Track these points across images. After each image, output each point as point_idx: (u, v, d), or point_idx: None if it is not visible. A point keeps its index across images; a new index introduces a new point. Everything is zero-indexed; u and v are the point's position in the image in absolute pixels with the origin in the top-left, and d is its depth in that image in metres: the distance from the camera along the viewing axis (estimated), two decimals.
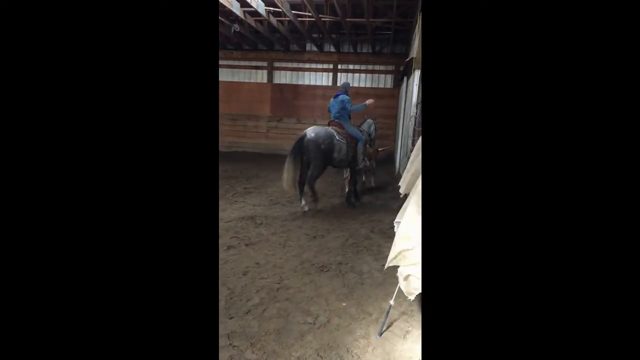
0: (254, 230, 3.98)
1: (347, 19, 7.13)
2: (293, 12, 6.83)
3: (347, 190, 5.41)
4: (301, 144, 4.64)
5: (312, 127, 4.86)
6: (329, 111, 5.18)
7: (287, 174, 4.64)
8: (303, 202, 4.81)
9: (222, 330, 2.11)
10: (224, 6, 5.95)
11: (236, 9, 6.19)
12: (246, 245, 3.52)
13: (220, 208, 4.73)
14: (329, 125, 5.05)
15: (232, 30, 7.54)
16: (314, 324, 2.24)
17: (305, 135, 4.68)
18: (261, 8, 6.23)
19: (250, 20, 7.12)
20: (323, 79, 9.87)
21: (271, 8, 6.57)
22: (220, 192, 5.65)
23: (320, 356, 1.94)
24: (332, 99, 5.16)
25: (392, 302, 2.22)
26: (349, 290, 2.70)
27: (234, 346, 1.97)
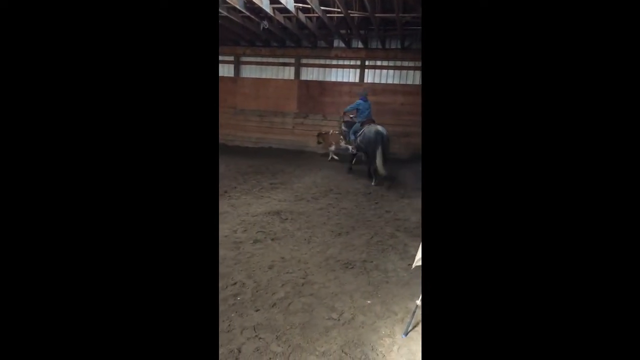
0: (279, 225, 4.03)
1: (376, 14, 7.04)
2: (322, 8, 6.82)
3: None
4: (382, 137, 6.07)
5: (376, 125, 6.32)
6: (357, 110, 6.63)
7: (380, 158, 6.06)
8: (374, 182, 6.26)
9: (249, 322, 2.16)
10: (254, 3, 6.03)
11: (266, 6, 6.25)
12: (272, 239, 3.57)
13: (246, 202, 4.82)
14: (366, 123, 6.46)
15: (261, 28, 7.61)
16: (339, 320, 2.25)
17: (380, 130, 6.12)
18: (290, 4, 6.26)
19: (279, 17, 7.17)
20: (350, 76, 9.80)
21: (300, 4, 6.58)
22: (247, 187, 5.76)
23: (345, 352, 1.94)
24: (361, 101, 6.59)
25: (418, 302, 2.18)
26: (374, 288, 2.69)
27: (260, 338, 2.01)
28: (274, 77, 10.36)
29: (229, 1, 6.04)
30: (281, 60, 10.19)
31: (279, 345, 1.96)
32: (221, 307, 2.30)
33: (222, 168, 7.18)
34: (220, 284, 2.61)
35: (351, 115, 7.17)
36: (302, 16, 7.19)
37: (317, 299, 2.48)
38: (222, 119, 10.61)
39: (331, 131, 8.87)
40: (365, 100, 6.63)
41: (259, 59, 10.32)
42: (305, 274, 2.87)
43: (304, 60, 10.07)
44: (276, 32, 8.37)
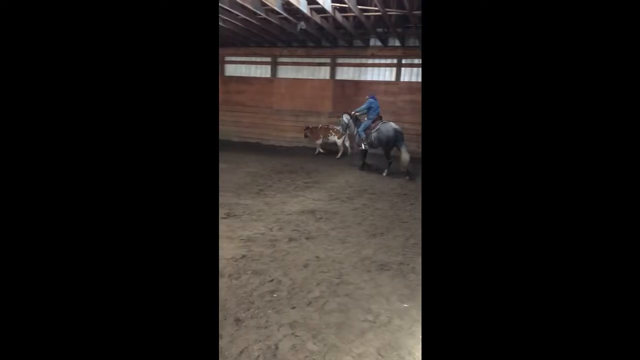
0: (313, 224, 4.05)
1: (415, 12, 6.89)
2: (359, 7, 6.78)
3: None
4: (401, 134, 6.71)
5: (389, 122, 6.88)
6: (369, 108, 7.01)
7: (406, 154, 6.56)
8: (386, 172, 6.86)
9: (285, 319, 2.18)
10: (292, 4, 6.10)
11: (303, 6, 6.30)
12: (306, 238, 3.60)
13: (281, 201, 4.89)
14: (378, 120, 7.00)
15: (298, 29, 7.69)
16: (375, 322, 2.22)
17: (397, 127, 6.74)
18: (327, 5, 6.27)
19: (316, 17, 7.20)
20: (386, 75, 9.66)
21: (337, 4, 6.58)
22: (282, 185, 5.84)
23: (381, 355, 1.92)
24: (372, 99, 7.05)
25: None
26: (410, 292, 2.63)
27: (296, 336, 2.03)
28: (309, 78, 10.42)
29: (268, 3, 6.15)
30: (317, 60, 10.24)
31: (315, 344, 1.97)
32: (258, 303, 2.35)
33: (258, 167, 7.34)
34: (257, 281, 2.66)
35: (357, 114, 7.49)
36: (338, 16, 7.18)
37: (353, 300, 2.47)
38: (258, 118, 10.85)
39: (320, 125, 9.37)
40: (375, 99, 7.08)
41: (295, 60, 10.43)
42: (340, 274, 2.87)
43: (340, 60, 10.06)
44: (312, 32, 8.42)
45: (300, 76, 10.50)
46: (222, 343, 1.93)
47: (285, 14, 6.88)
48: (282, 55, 10.55)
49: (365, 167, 7.40)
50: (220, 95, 11.32)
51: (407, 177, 6.56)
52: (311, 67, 10.38)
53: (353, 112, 7.49)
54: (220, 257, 3.01)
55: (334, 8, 6.75)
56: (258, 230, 3.73)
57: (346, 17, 7.61)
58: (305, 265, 2.98)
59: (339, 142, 8.81)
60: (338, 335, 2.06)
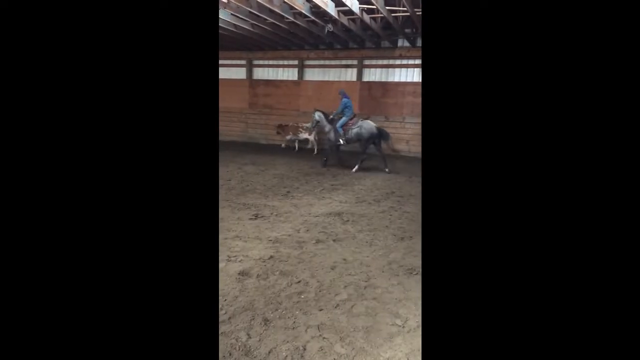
0: (340, 226, 4.04)
1: None
2: (387, 8, 6.72)
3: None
4: (382, 131, 7.44)
5: (366, 120, 7.62)
6: (346, 107, 7.42)
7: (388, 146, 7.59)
8: (356, 168, 7.39)
9: (313, 321, 2.19)
10: (320, 7, 6.13)
11: (331, 9, 6.32)
12: (333, 240, 3.59)
13: (308, 203, 4.92)
14: (354, 117, 7.51)
15: (326, 31, 7.72)
16: (403, 327, 2.18)
17: (375, 125, 7.48)
18: (355, 6, 6.26)
19: (344, 19, 7.21)
20: (414, 75, 9.51)
21: (365, 6, 6.56)
22: (309, 187, 5.87)
23: None
24: (346, 99, 7.45)
25: None
26: None
27: (324, 338, 2.03)
28: (336, 79, 10.44)
29: (296, 7, 6.22)
30: (344, 62, 10.25)
31: (342, 347, 1.96)
32: (286, 304, 2.37)
33: (285, 169, 7.42)
34: (285, 282, 2.69)
35: (335, 117, 7.83)
36: (366, 17, 7.15)
37: (381, 304, 2.44)
38: (285, 121, 10.97)
39: (290, 123, 10.23)
40: (348, 98, 7.58)
41: (321, 62, 10.48)
42: (368, 277, 2.84)
43: (367, 62, 10.01)
44: (340, 34, 8.43)
45: (326, 78, 10.54)
46: (251, 342, 1.96)
47: (312, 17, 6.92)
48: (309, 58, 10.63)
49: (327, 163, 7.83)
50: (248, 98, 11.56)
51: (387, 170, 7.33)
52: (338, 69, 10.40)
53: (331, 116, 7.82)
54: (248, 258, 3.07)
55: (362, 10, 6.73)
56: (285, 232, 3.77)
57: (374, 19, 7.56)
58: (333, 268, 2.97)
59: (310, 137, 9.69)
60: (366, 338, 2.05)
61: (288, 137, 10.19)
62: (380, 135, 7.32)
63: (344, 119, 7.52)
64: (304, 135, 9.76)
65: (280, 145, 10.48)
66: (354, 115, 7.60)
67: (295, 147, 10.19)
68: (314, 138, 9.69)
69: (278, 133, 10.44)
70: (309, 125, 8.87)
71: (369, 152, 7.62)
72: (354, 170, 7.31)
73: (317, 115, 7.96)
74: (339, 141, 7.54)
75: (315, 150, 9.65)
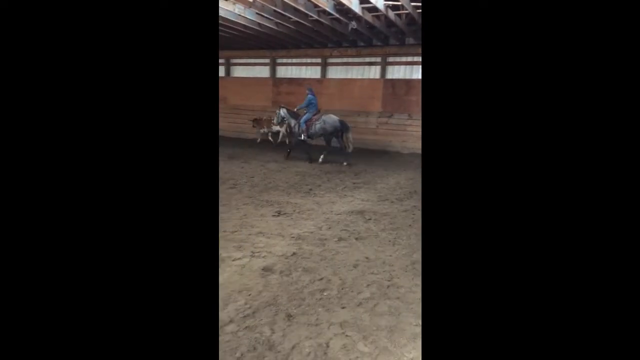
0: (363, 225, 4.02)
1: None
2: (412, 4, 6.61)
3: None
4: (344, 123, 7.75)
5: (330, 114, 7.87)
6: (310, 103, 7.79)
7: (350, 138, 7.81)
8: (322, 159, 7.83)
9: (335, 318, 2.19)
10: (344, 5, 6.11)
11: (355, 6, 6.28)
12: (356, 239, 3.58)
13: (330, 201, 4.92)
14: (317, 114, 7.84)
15: (349, 28, 7.68)
16: None
17: (339, 118, 7.75)
18: (380, 3, 6.19)
19: (368, 16, 7.14)
20: None
21: (390, 2, 6.47)
22: (330, 185, 5.87)
23: None
24: (311, 95, 7.77)
25: None
26: None
27: (347, 336, 2.03)
28: (359, 77, 10.37)
29: (319, 5, 6.22)
30: (367, 59, 10.17)
31: (365, 346, 1.95)
32: (308, 300, 2.38)
33: (307, 166, 7.45)
34: (307, 278, 2.70)
35: (298, 110, 8.27)
36: (391, 14, 7.06)
37: (404, 304, 2.41)
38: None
39: (264, 117, 10.73)
40: (314, 95, 7.90)
41: (344, 60, 10.44)
42: (391, 276, 2.82)
43: (391, 59, 9.89)
44: (363, 31, 8.37)
45: (349, 76, 10.49)
46: (275, 337, 1.98)
47: (336, 15, 6.90)
48: (332, 56, 10.61)
49: (289, 155, 8.18)
50: (271, 97, 11.66)
51: (345, 163, 7.60)
52: (361, 67, 10.33)
53: (296, 109, 8.23)
54: (271, 254, 3.10)
55: (387, 6, 6.65)
56: (308, 229, 3.79)
57: (399, 15, 7.45)
58: (355, 266, 2.96)
59: (282, 130, 10.17)
60: (389, 338, 2.03)
61: (262, 131, 10.64)
62: (342, 128, 7.69)
63: (307, 114, 7.86)
64: (277, 128, 10.15)
65: (256, 140, 10.94)
66: (318, 112, 7.96)
67: (273, 142, 10.55)
68: (285, 131, 10.00)
69: (254, 127, 10.92)
70: (274, 120, 9.28)
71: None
72: (319, 160, 7.78)
73: (282, 112, 8.40)
74: (301, 136, 7.93)
75: (279, 140, 10.36)
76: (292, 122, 8.20)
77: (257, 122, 10.81)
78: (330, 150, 7.87)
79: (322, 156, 7.82)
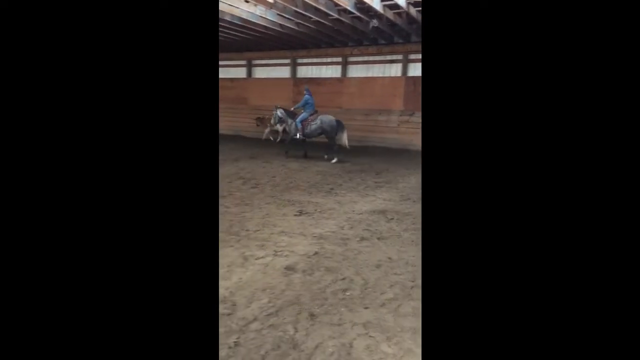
0: (385, 224, 3.98)
1: None
2: None
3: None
4: (340, 123, 8.04)
5: (325, 114, 8.15)
6: (307, 103, 8.08)
7: (346, 138, 8.12)
8: (327, 156, 8.04)
9: (358, 318, 2.18)
10: (364, 3, 6.06)
11: (376, 4, 6.23)
12: (378, 238, 3.55)
13: (352, 200, 4.90)
14: (314, 114, 8.11)
15: (370, 26, 7.62)
16: None
17: (335, 118, 8.08)
18: (401, 0, 6.10)
19: (389, 14, 7.07)
20: None
21: None
22: (352, 184, 5.85)
23: None
24: (308, 96, 8.07)
25: None
26: None
27: (370, 336, 2.01)
28: (380, 75, 10.28)
29: (340, 3, 6.20)
30: (388, 57, 10.06)
31: (389, 347, 1.93)
32: (331, 300, 2.38)
33: (328, 166, 7.45)
34: (330, 278, 2.70)
35: (294, 110, 8.56)
36: (412, 10, 6.95)
37: None
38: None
39: (267, 116, 10.70)
40: (310, 95, 8.13)
41: (365, 58, 10.37)
42: (414, 277, 2.77)
43: (412, 56, 9.75)
44: (385, 29, 8.28)
45: (370, 74, 10.42)
46: (298, 336, 2.00)
47: (357, 13, 6.86)
48: (352, 55, 10.56)
49: (288, 154, 8.40)
50: (292, 96, 11.73)
51: (335, 160, 7.79)
52: (382, 65, 10.23)
53: (293, 108, 8.56)
54: (294, 253, 3.12)
55: (408, 3, 6.55)
56: (329, 229, 3.79)
57: (420, 12, 7.33)
58: (378, 266, 2.94)
59: (280, 129, 10.46)
60: (414, 340, 2.00)
61: (267, 130, 10.88)
62: (338, 127, 7.94)
63: (304, 114, 8.12)
64: (278, 127, 10.36)
65: (262, 138, 11.24)
66: (315, 112, 8.16)
67: (269, 138, 10.95)
68: (283, 130, 10.33)
69: (257, 125, 11.30)
70: (271, 120, 9.47)
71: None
72: (333, 161, 7.83)
73: (279, 112, 8.64)
74: (296, 135, 8.18)
75: (279, 138, 10.68)
76: (289, 121, 8.47)
77: (260, 121, 11.08)
78: (336, 149, 7.99)
79: (335, 157, 7.89)
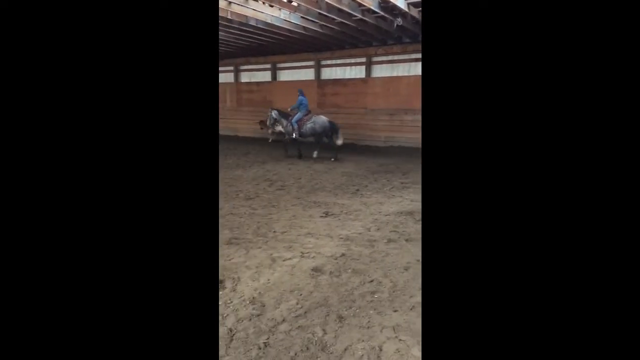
0: (413, 226, 3.91)
1: None
2: None
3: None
4: (333, 124, 8.36)
5: (319, 115, 8.64)
6: (301, 104, 8.45)
7: (341, 138, 8.44)
8: (315, 154, 8.41)
9: (388, 321, 2.15)
10: (388, 2, 6.00)
11: (400, 2, 6.15)
12: (406, 240, 3.49)
13: (378, 201, 4.85)
14: (308, 114, 8.48)
15: (395, 25, 7.53)
16: None
17: (328, 119, 8.48)
18: None
19: (414, 12, 6.95)
20: None
21: None
22: (378, 185, 5.79)
23: None
24: (302, 97, 8.45)
25: None
26: None
27: (401, 340, 1.98)
28: (405, 75, 10.13)
29: (364, 3, 6.16)
30: (413, 56, 9.90)
31: (420, 351, 1.89)
32: (359, 303, 2.36)
33: (352, 167, 7.42)
34: (357, 280, 2.68)
35: (289, 111, 8.81)
36: None
37: None
38: (352, 119, 10.95)
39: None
40: (304, 96, 8.49)
41: (390, 57, 10.25)
42: None
43: None
44: (409, 27, 8.16)
45: (395, 74, 10.28)
46: (327, 338, 1.99)
47: (381, 13, 6.80)
48: (377, 54, 10.47)
49: (287, 153, 8.79)
50: (316, 98, 11.77)
51: (332, 159, 8.11)
52: (407, 64, 10.08)
53: (289, 109, 8.81)
54: (320, 255, 3.12)
55: None
56: (356, 230, 3.76)
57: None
58: (406, 268, 2.89)
59: (282, 130, 10.53)
60: None
61: (270, 131, 10.80)
62: (332, 129, 8.26)
63: (298, 114, 8.42)
64: (279, 128, 10.46)
65: (268, 140, 11.43)
66: (309, 112, 8.51)
67: (272, 139, 11.09)
68: (279, 130, 10.51)
69: (261, 128, 11.51)
70: (267, 122, 9.57)
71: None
72: (314, 156, 8.31)
73: (274, 114, 8.95)
74: (293, 135, 8.48)
75: (275, 139, 10.93)
76: (284, 122, 8.75)
77: (263, 123, 11.19)
78: (319, 147, 8.47)
79: (315, 152, 8.38)
